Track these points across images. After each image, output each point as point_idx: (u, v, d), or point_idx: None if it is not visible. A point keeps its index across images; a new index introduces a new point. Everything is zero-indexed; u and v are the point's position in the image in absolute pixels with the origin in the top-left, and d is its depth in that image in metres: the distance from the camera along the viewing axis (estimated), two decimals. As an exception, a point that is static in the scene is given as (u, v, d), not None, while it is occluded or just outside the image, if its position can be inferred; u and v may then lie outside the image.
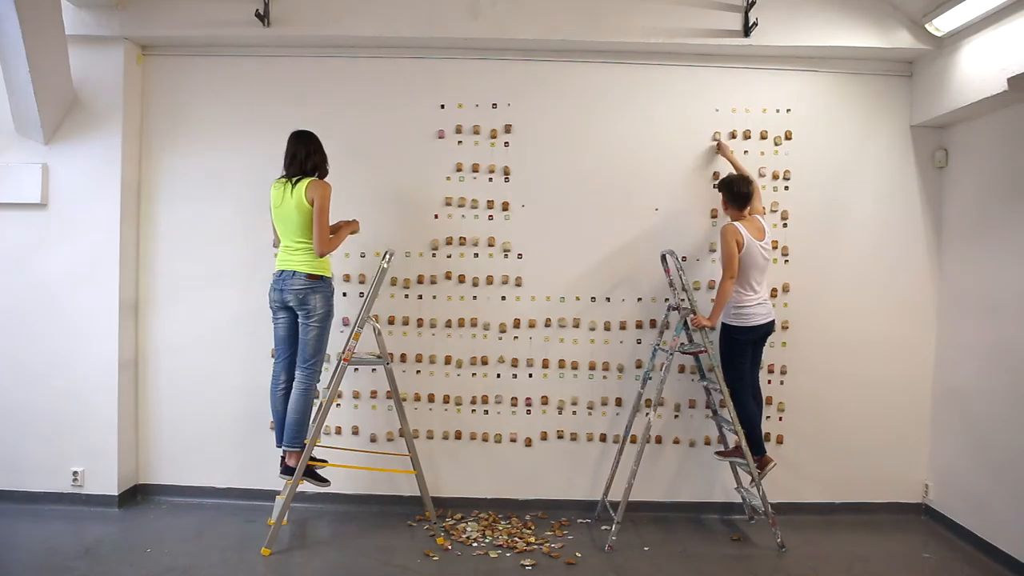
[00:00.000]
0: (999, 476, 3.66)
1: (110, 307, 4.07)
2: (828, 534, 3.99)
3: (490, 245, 4.22)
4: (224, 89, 4.21)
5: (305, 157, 3.59)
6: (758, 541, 3.87)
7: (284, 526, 3.86)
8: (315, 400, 3.73)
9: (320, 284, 3.57)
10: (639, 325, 4.22)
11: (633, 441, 4.02)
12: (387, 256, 3.76)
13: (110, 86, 4.05)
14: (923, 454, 4.26)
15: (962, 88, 3.74)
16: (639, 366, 4.22)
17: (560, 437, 4.25)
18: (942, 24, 3.80)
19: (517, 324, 4.22)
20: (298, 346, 3.65)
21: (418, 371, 4.23)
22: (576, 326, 4.23)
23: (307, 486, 3.78)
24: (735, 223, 3.74)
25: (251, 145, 4.20)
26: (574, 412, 4.24)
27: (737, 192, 3.77)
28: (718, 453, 3.99)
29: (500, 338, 4.23)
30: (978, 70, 3.62)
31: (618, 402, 4.23)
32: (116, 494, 4.10)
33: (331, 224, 3.61)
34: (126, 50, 4.08)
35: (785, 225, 4.22)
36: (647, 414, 3.85)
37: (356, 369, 4.16)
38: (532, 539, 3.78)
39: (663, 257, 3.95)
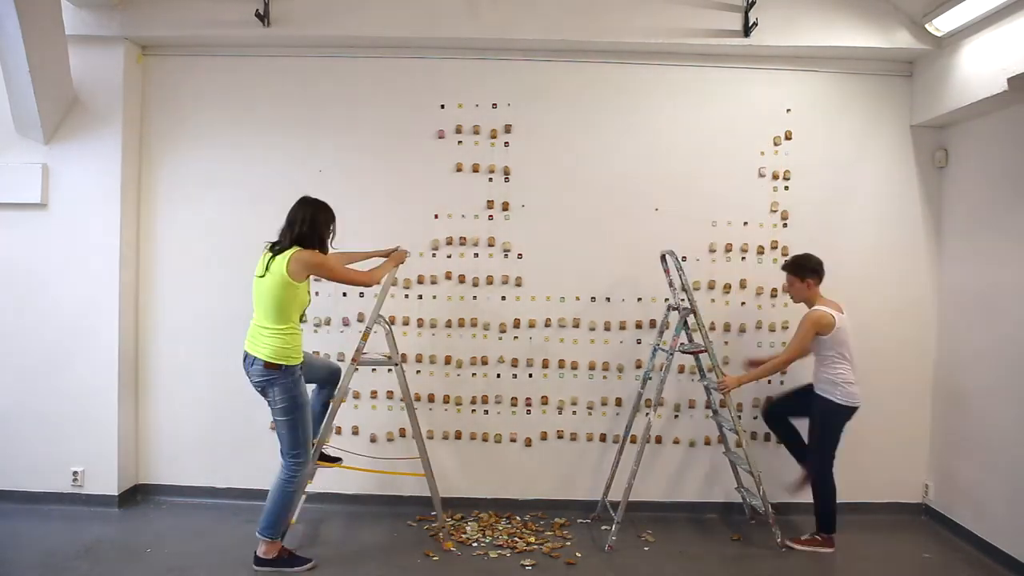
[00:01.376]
0: (999, 476, 3.66)
1: (110, 307, 4.07)
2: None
3: (490, 245, 4.22)
4: (224, 89, 4.21)
5: (299, 223, 3.17)
6: (758, 541, 3.87)
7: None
8: (303, 495, 3.50)
9: (277, 374, 3.15)
10: (639, 325, 4.22)
11: (633, 441, 4.02)
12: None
13: (110, 86, 4.06)
14: (923, 454, 4.26)
15: (962, 88, 3.74)
16: (639, 366, 4.22)
17: (560, 437, 4.25)
18: (942, 24, 3.80)
19: (517, 324, 4.22)
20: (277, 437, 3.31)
21: (418, 371, 4.23)
22: (576, 326, 4.23)
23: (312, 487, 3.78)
24: (822, 309, 3.64)
25: (251, 145, 4.21)
26: (574, 412, 4.24)
27: (815, 268, 3.70)
28: (793, 540, 3.80)
29: (500, 338, 4.23)
30: (978, 70, 3.62)
31: (618, 402, 4.23)
32: (116, 494, 4.10)
33: (360, 252, 3.55)
34: (126, 50, 4.08)
35: (785, 225, 4.22)
36: (647, 414, 3.84)
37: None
38: (532, 539, 3.78)
39: (663, 257, 3.95)
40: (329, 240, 3.30)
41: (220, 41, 4.13)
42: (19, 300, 4.09)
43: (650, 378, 4.02)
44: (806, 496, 4.16)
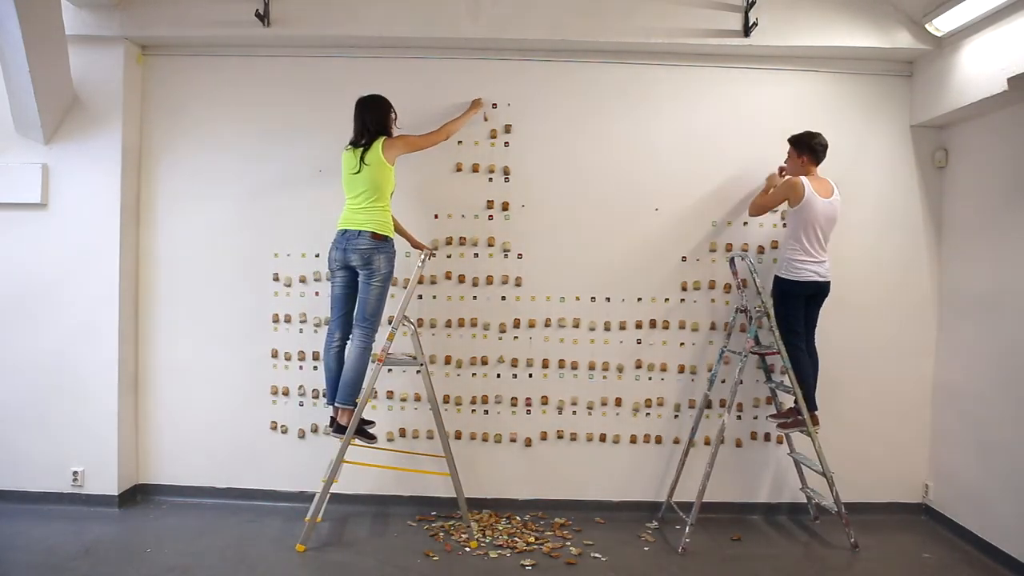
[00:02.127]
0: (999, 476, 3.66)
1: (110, 307, 4.07)
2: (828, 534, 3.98)
3: (490, 245, 4.21)
4: (224, 89, 4.21)
5: (371, 121, 3.64)
6: (758, 540, 3.87)
7: (284, 525, 3.86)
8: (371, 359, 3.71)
9: (384, 244, 3.60)
10: (639, 325, 4.22)
11: (707, 443, 4.09)
12: (424, 256, 3.77)
13: (110, 86, 4.06)
14: (923, 454, 4.26)
15: (962, 88, 3.74)
16: (639, 366, 4.22)
17: (560, 437, 4.25)
18: (942, 24, 3.80)
19: (517, 324, 4.22)
20: (357, 305, 3.64)
21: (418, 371, 4.21)
22: (576, 326, 4.23)
23: (306, 485, 3.78)
24: (801, 178, 3.72)
25: (251, 145, 4.21)
26: (574, 412, 4.24)
27: (811, 146, 3.76)
28: (772, 416, 4.01)
29: (500, 338, 4.23)
30: (978, 70, 3.62)
31: (618, 402, 4.23)
32: (116, 494, 4.10)
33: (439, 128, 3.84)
34: (126, 50, 4.08)
35: (784, 225, 4.22)
36: (720, 415, 3.88)
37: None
38: (532, 539, 3.78)
39: (731, 261, 4.01)
40: (393, 123, 3.77)
41: (220, 41, 4.13)
42: (19, 300, 4.09)
43: (723, 380, 4.07)
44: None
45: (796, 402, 3.78)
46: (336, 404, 3.67)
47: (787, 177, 3.83)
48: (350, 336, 3.69)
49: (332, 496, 4.05)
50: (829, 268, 3.82)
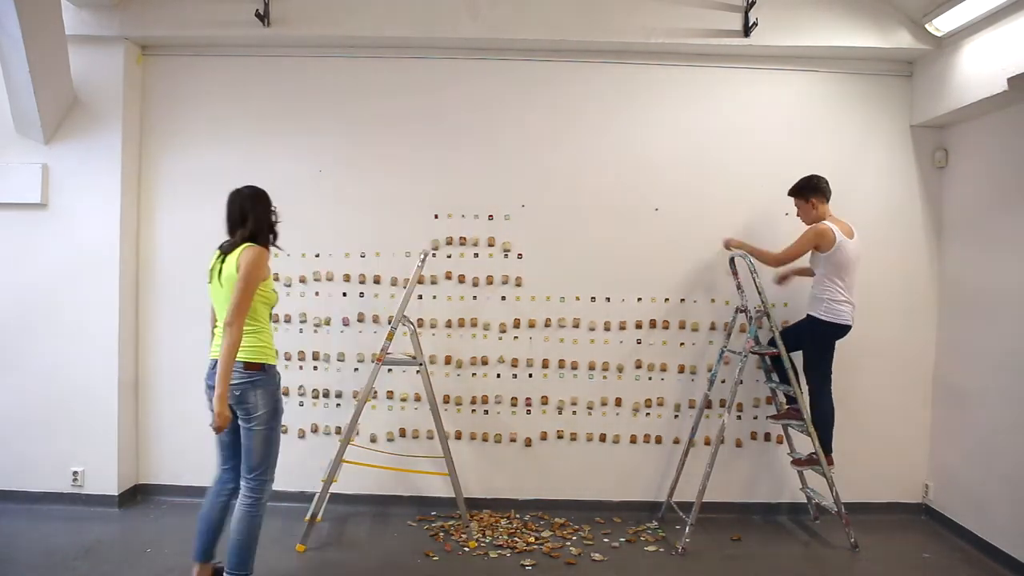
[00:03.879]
0: (999, 476, 3.66)
1: (110, 307, 4.07)
2: (828, 534, 3.99)
3: (490, 245, 4.21)
4: (224, 89, 4.21)
5: (241, 220, 2.93)
6: (758, 540, 3.87)
7: (284, 525, 3.86)
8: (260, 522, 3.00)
9: (260, 376, 2.85)
10: (639, 325, 4.22)
11: (707, 443, 4.07)
12: (423, 255, 3.75)
13: (110, 86, 4.06)
14: (923, 454, 4.26)
15: (962, 88, 3.74)
16: (639, 366, 4.22)
17: (560, 437, 4.25)
18: (942, 24, 3.80)
19: (517, 324, 4.22)
20: (243, 454, 2.91)
21: (417, 371, 4.22)
22: (576, 326, 4.23)
23: (306, 485, 3.78)
24: (827, 223, 3.70)
25: (251, 145, 4.21)
26: (574, 412, 4.24)
27: (816, 186, 3.76)
28: (794, 462, 3.93)
29: (500, 338, 4.23)
30: (978, 70, 3.62)
31: (618, 402, 4.23)
32: (116, 494, 4.10)
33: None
34: (126, 50, 4.08)
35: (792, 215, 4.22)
36: (720, 416, 3.87)
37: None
38: (532, 539, 3.78)
39: (731, 260, 3.98)
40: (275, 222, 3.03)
41: (220, 41, 4.13)
42: (19, 300, 4.09)
43: (722, 381, 4.07)
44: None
45: (814, 446, 3.73)
46: (228, 573, 2.92)
47: (812, 226, 3.75)
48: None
49: (332, 496, 4.05)
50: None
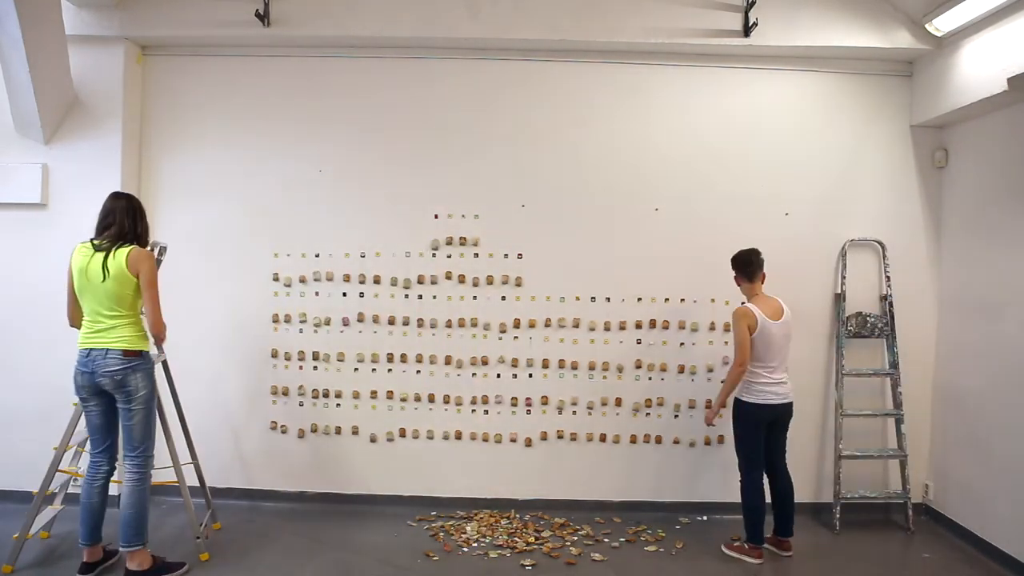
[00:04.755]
0: (999, 476, 3.66)
1: (110, 307, 4.06)
2: (828, 534, 3.98)
3: (490, 245, 4.21)
4: (224, 89, 4.21)
5: (132, 223, 3.16)
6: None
7: (283, 525, 3.86)
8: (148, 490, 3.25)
9: (139, 361, 3.15)
10: (639, 325, 4.22)
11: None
12: (157, 250, 3.51)
13: (110, 86, 4.06)
14: (923, 454, 4.26)
15: (962, 88, 3.74)
16: (639, 366, 4.22)
17: (560, 437, 4.25)
18: (942, 24, 3.80)
19: (517, 324, 4.22)
20: (122, 434, 3.18)
21: (418, 371, 4.23)
22: (576, 326, 4.23)
23: (306, 485, 3.78)
24: (747, 304, 3.60)
25: (251, 145, 4.21)
26: (574, 412, 4.24)
27: (741, 259, 3.63)
28: (726, 545, 3.74)
29: (500, 338, 4.23)
30: (978, 70, 3.62)
31: (618, 402, 4.23)
32: (116, 494, 4.09)
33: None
34: (126, 50, 4.08)
35: (787, 214, 4.22)
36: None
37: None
38: (532, 539, 3.78)
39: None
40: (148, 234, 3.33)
41: (220, 41, 4.14)
42: (19, 300, 4.09)
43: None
44: (806, 496, 4.16)
45: (745, 540, 3.64)
46: (122, 547, 3.17)
47: (735, 310, 3.62)
48: (114, 468, 3.27)
49: (332, 496, 4.06)
50: (790, 388, 3.64)
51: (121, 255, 3.09)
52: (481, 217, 4.21)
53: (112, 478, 3.31)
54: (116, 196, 3.23)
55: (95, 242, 3.14)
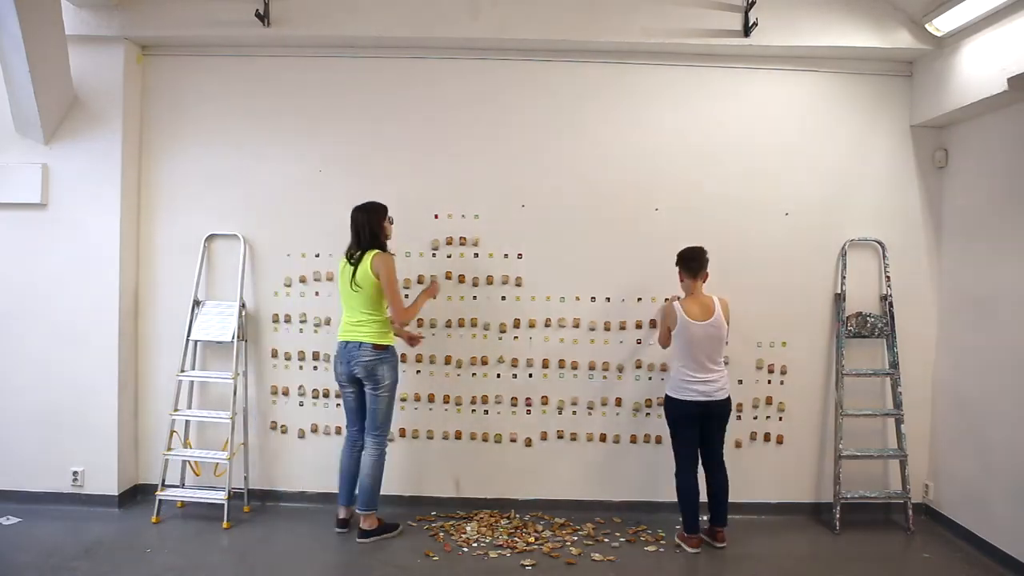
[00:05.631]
0: (999, 476, 3.66)
1: (110, 307, 4.07)
2: (828, 534, 3.99)
3: (490, 245, 4.21)
4: (224, 89, 4.21)
5: (366, 230, 3.64)
6: (758, 540, 3.87)
7: (286, 525, 3.87)
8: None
9: (387, 354, 3.65)
10: (639, 325, 4.22)
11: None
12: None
13: (110, 86, 4.06)
14: (923, 454, 4.25)
15: (962, 88, 3.74)
16: (639, 366, 4.22)
17: (560, 437, 4.25)
18: (942, 24, 3.80)
19: (517, 324, 4.22)
20: (368, 416, 3.70)
21: (418, 371, 4.23)
22: (576, 326, 4.23)
23: (306, 485, 3.78)
24: (674, 304, 3.68)
25: (251, 145, 4.21)
26: (574, 412, 4.24)
27: (685, 255, 3.69)
28: (678, 536, 3.79)
29: (500, 338, 4.23)
30: (978, 70, 3.62)
31: (618, 402, 4.23)
32: (116, 494, 4.10)
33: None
34: (126, 50, 4.08)
35: (786, 215, 4.22)
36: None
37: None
38: (532, 539, 3.78)
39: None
40: (389, 227, 3.78)
41: (220, 41, 4.13)
42: (19, 300, 4.09)
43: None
44: (806, 496, 4.17)
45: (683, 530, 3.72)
46: (359, 511, 3.73)
47: (660, 306, 3.69)
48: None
49: (332, 496, 4.06)
50: (723, 386, 3.65)
51: (366, 264, 3.58)
52: (481, 217, 4.21)
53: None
54: (355, 210, 3.70)
55: (348, 257, 3.69)
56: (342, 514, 3.81)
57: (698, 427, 3.68)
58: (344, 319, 3.70)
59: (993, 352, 3.74)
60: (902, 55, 4.11)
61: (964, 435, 3.96)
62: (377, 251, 3.61)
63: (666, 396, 3.75)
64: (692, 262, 3.68)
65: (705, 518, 3.80)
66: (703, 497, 3.74)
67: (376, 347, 3.60)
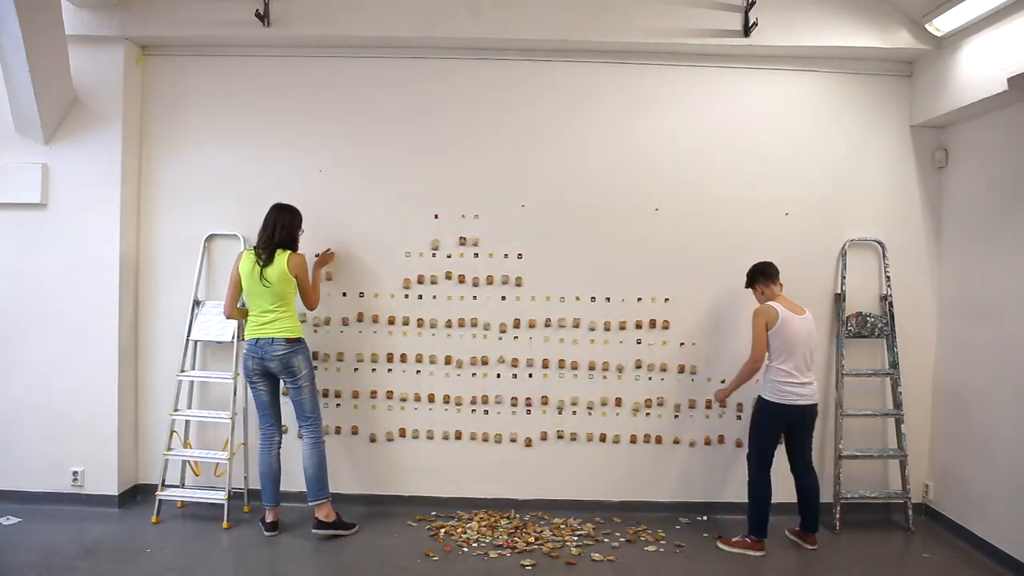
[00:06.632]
0: (999, 476, 3.66)
1: (110, 307, 4.07)
2: (828, 534, 3.98)
3: (490, 245, 4.21)
4: (224, 89, 4.21)
5: (284, 230, 3.68)
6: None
7: (285, 524, 3.87)
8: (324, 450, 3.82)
9: (300, 346, 3.70)
10: (639, 325, 4.22)
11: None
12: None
13: (110, 86, 4.06)
14: (923, 454, 4.26)
15: (962, 88, 3.74)
16: (639, 366, 4.22)
17: (560, 437, 4.25)
18: (942, 24, 3.80)
19: (517, 324, 4.22)
20: (295, 409, 3.77)
21: (418, 371, 4.23)
22: (576, 326, 4.22)
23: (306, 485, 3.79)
24: (768, 303, 3.64)
25: (251, 145, 4.21)
26: (574, 412, 4.24)
27: (762, 270, 3.72)
28: (722, 540, 3.78)
29: (500, 338, 4.23)
30: (978, 70, 3.62)
31: (618, 402, 4.23)
32: (116, 494, 4.10)
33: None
34: (126, 50, 4.08)
35: (787, 214, 4.22)
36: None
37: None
38: (532, 539, 3.78)
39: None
40: (300, 235, 3.83)
41: (220, 41, 4.13)
42: (19, 300, 4.09)
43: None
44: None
45: (747, 534, 3.68)
46: (310, 502, 3.75)
47: (755, 310, 3.67)
48: (286, 438, 3.88)
49: (332, 496, 4.06)
50: (816, 389, 3.66)
51: (280, 262, 3.63)
52: (481, 217, 4.21)
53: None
54: (275, 208, 3.74)
55: (256, 252, 3.71)
56: (268, 516, 3.79)
57: (784, 430, 3.67)
58: (251, 316, 3.70)
59: (993, 352, 3.74)
60: (902, 55, 4.11)
61: (964, 435, 3.96)
62: (291, 252, 3.68)
63: (761, 399, 3.67)
64: (770, 267, 3.74)
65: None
66: (774, 499, 3.70)
67: (289, 340, 3.65)
